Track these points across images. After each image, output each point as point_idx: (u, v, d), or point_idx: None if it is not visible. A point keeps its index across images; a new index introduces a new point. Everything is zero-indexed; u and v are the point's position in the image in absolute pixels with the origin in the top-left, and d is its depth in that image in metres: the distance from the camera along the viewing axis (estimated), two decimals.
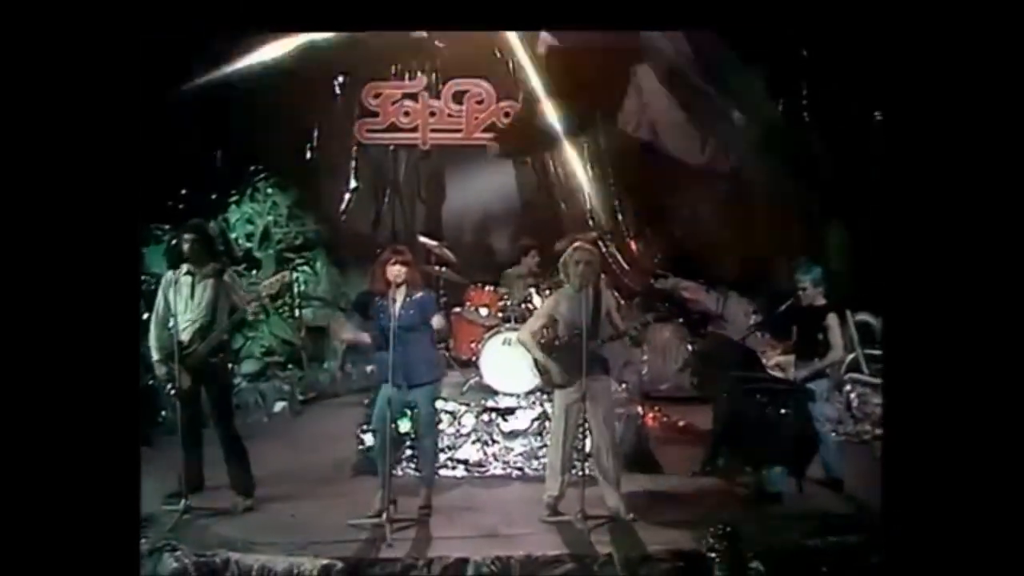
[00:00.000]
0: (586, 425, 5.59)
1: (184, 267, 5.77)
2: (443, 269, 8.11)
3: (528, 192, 10.31)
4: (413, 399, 5.62)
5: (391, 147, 10.16)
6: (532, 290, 7.59)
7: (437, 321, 5.68)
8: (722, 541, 4.95)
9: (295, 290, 9.51)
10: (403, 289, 5.55)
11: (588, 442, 5.75)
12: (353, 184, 9.99)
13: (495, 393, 7.11)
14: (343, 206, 9.91)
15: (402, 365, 5.43)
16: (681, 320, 9.25)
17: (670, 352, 9.08)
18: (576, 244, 5.83)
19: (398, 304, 5.50)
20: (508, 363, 7.09)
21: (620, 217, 9.91)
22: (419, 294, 5.62)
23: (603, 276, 6.03)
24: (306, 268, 9.67)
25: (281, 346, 9.24)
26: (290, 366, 9.13)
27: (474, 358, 7.50)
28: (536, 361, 5.87)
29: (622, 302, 5.68)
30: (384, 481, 5.46)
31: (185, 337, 5.66)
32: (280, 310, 9.40)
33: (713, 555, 4.90)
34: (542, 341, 5.85)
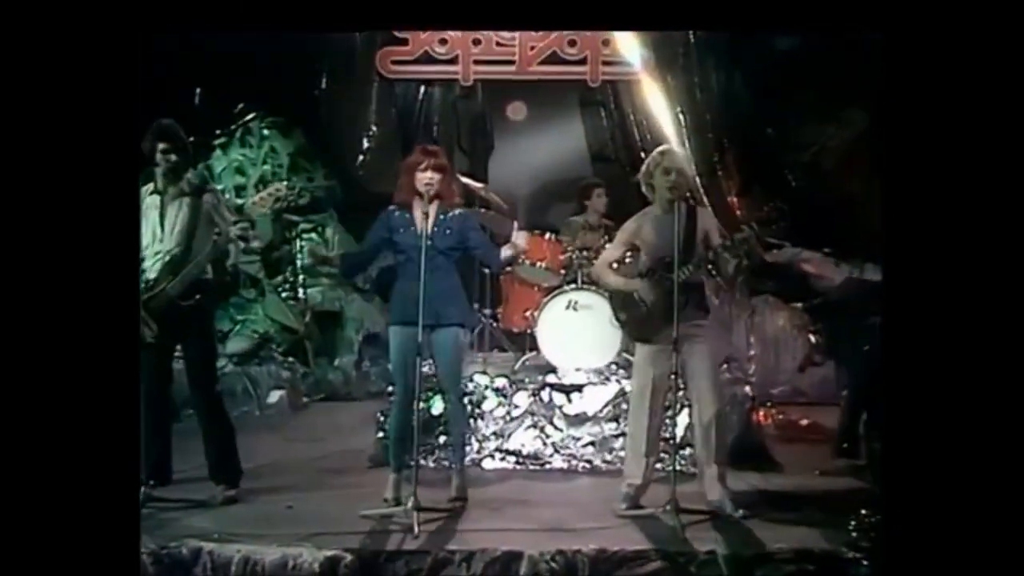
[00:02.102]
0: (680, 393, 5.49)
1: (150, 185, 5.58)
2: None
3: (600, 143, 10.37)
4: (440, 343, 5.58)
5: (423, 83, 10.22)
6: (603, 240, 7.63)
7: (518, 239, 5.67)
8: (867, 535, 4.83)
9: (298, 263, 9.52)
10: (435, 205, 5.50)
11: (681, 421, 5.70)
12: (373, 129, 10.04)
13: (556, 370, 7.09)
14: (360, 157, 9.98)
15: (432, 299, 5.33)
16: (801, 304, 8.92)
17: (785, 346, 8.84)
18: (663, 148, 5.75)
19: (430, 220, 5.42)
20: (574, 332, 7.14)
21: (720, 171, 9.68)
22: (457, 211, 5.60)
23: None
24: (313, 235, 9.74)
25: (280, 334, 9.27)
26: (291, 359, 9.04)
27: (529, 330, 7.50)
28: (613, 299, 5.79)
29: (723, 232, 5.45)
30: (404, 453, 5.50)
31: (152, 275, 5.48)
32: (280, 288, 9.48)
33: (856, 554, 4.79)
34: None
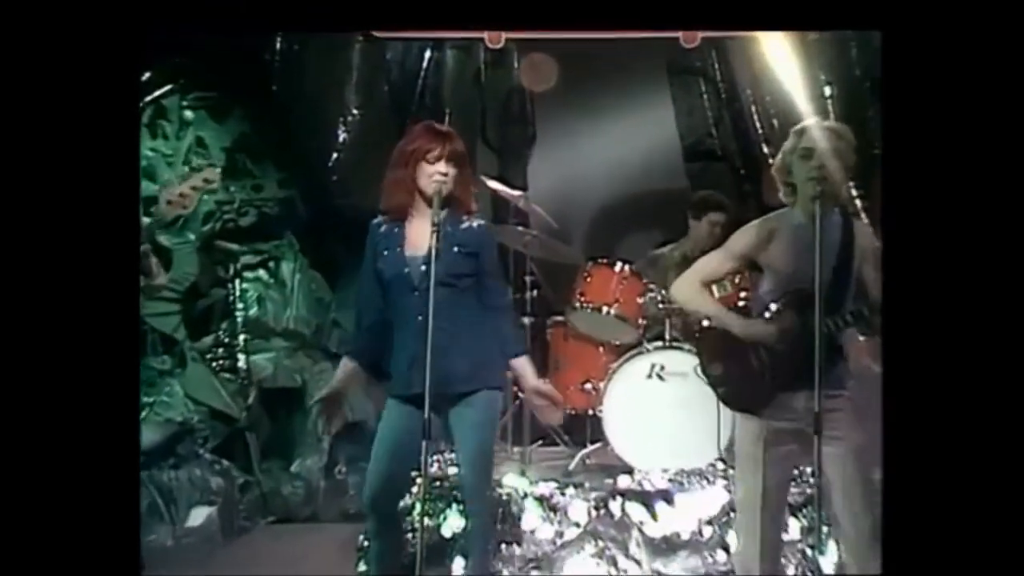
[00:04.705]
0: (810, 481, 5.60)
1: None
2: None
3: (698, 131, 10.41)
4: (460, 422, 5.58)
5: (429, 46, 10.23)
6: None
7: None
8: None
9: (238, 318, 9.55)
10: (446, 213, 5.51)
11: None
12: (354, 113, 10.00)
13: (632, 471, 7.13)
14: (334, 155, 9.97)
15: (438, 354, 5.22)
16: None
17: None
18: (802, 124, 5.65)
19: (438, 235, 5.37)
20: (660, 413, 7.25)
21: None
22: (474, 222, 5.67)
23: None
24: (261, 273, 9.77)
25: (208, 422, 9.24)
26: (224, 461, 9.03)
27: (591, 410, 7.58)
28: (704, 340, 5.79)
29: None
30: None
31: None
32: (210, 354, 9.50)
33: None
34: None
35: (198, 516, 8.50)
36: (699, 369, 5.75)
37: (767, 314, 5.44)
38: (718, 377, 5.62)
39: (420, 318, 5.28)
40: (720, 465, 7.05)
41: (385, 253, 5.56)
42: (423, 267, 5.38)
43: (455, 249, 5.50)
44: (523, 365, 5.68)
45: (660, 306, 7.61)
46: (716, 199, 8.36)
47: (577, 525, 6.69)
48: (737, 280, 6.15)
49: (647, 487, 6.88)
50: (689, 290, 5.66)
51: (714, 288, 5.88)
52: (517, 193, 8.29)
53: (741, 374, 5.48)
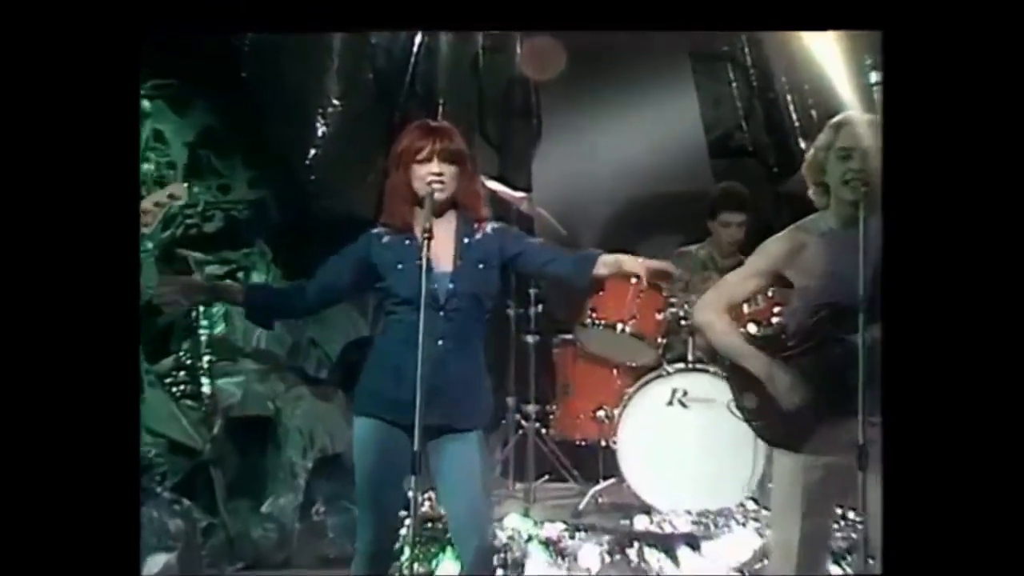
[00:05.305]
0: (855, 523, 5.65)
1: None
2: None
3: (725, 124, 10.46)
4: (451, 459, 5.61)
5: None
6: None
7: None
8: None
9: (201, 337, 9.47)
10: (454, 219, 5.62)
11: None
12: (334, 104, 9.95)
13: (651, 511, 7.13)
14: (312, 151, 9.89)
15: (441, 386, 5.36)
16: None
17: None
18: (840, 117, 5.69)
19: (452, 248, 5.56)
20: (682, 445, 7.26)
21: None
22: (488, 227, 5.68)
23: None
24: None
25: (167, 457, 9.06)
26: (185, 501, 8.87)
27: (605, 441, 7.57)
28: (735, 371, 5.64)
29: None
30: None
31: None
32: (169, 378, 9.39)
33: None
34: (755, 333, 5.93)
35: (155, 564, 8.29)
36: (732, 404, 5.73)
37: (795, 347, 5.47)
38: (753, 411, 5.61)
39: (441, 342, 5.37)
40: (751, 505, 7.04)
41: (400, 267, 5.52)
42: (452, 285, 5.44)
43: (480, 265, 5.56)
44: (608, 259, 5.69)
45: (683, 322, 7.63)
46: (733, 195, 8.45)
47: (588, 572, 6.71)
48: (770, 293, 6.19)
49: (668, 530, 6.92)
50: (711, 315, 5.70)
51: (744, 305, 5.97)
52: (520, 195, 8.28)
53: (777, 404, 5.48)
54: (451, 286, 5.43)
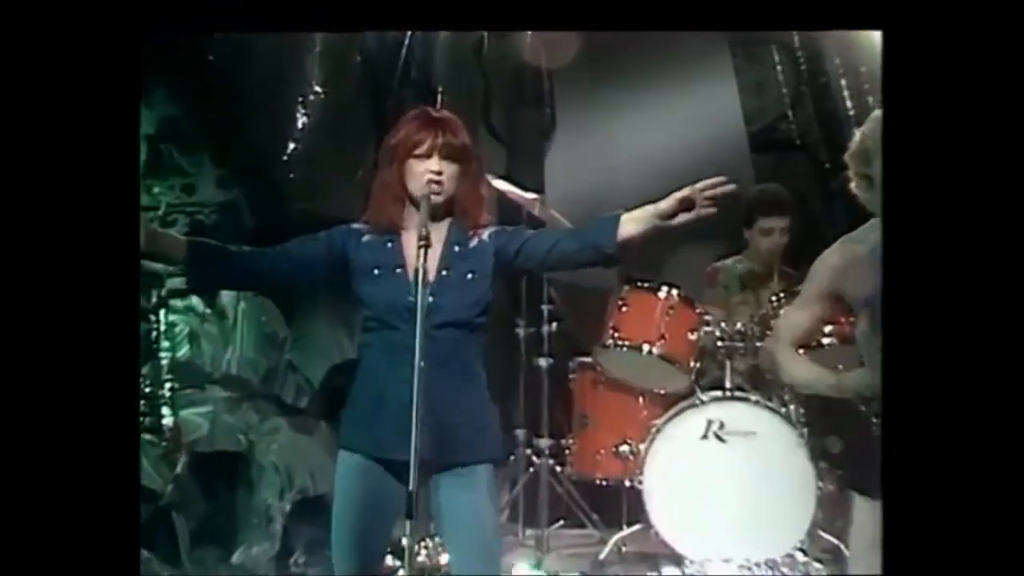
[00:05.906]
0: None
1: None
2: None
3: (769, 116, 10.47)
4: (452, 499, 5.56)
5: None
6: (777, 300, 7.65)
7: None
8: None
9: (162, 361, 9.41)
10: (448, 225, 5.60)
11: None
12: (317, 91, 9.94)
13: (682, 560, 7.11)
14: (290, 146, 9.87)
15: (427, 415, 5.19)
16: None
17: None
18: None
19: (437, 255, 5.50)
20: (720, 486, 7.21)
21: None
22: (485, 233, 5.65)
23: None
24: (194, 300, 9.56)
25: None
26: (144, 552, 8.75)
27: (629, 481, 7.53)
28: (811, 411, 5.95)
29: None
30: None
31: None
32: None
33: None
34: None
35: None
36: (809, 453, 6.01)
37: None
38: (839, 456, 5.79)
39: (424, 363, 5.19)
40: (800, 557, 6.96)
41: (376, 273, 5.53)
42: (433, 298, 5.37)
43: (469, 275, 5.53)
44: (634, 214, 5.48)
45: (719, 344, 7.60)
46: (772, 197, 8.52)
47: None
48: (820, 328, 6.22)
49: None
50: (779, 359, 5.85)
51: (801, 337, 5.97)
52: (530, 196, 8.30)
53: (867, 447, 5.52)
54: (432, 299, 5.31)
